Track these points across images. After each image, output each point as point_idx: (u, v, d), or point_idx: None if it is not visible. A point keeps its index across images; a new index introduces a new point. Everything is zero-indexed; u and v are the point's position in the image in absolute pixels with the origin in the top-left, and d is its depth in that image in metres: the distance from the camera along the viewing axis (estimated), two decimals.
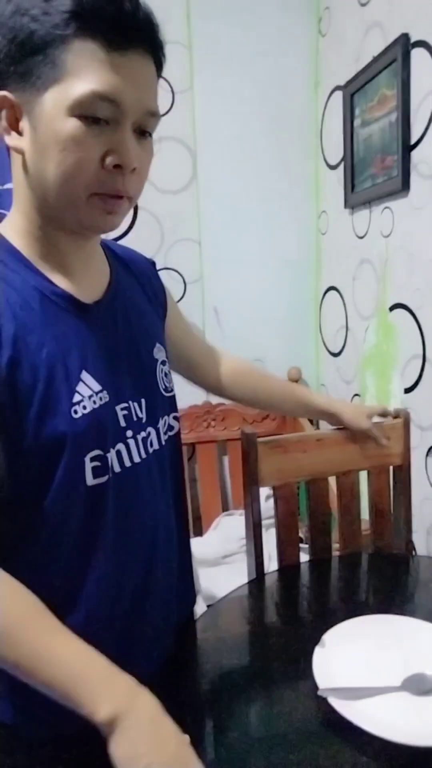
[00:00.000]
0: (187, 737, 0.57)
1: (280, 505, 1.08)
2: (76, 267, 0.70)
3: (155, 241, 1.93)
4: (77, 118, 0.58)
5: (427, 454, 1.42)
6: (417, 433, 1.45)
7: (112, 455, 0.70)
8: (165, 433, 0.80)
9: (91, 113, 0.58)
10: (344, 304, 1.90)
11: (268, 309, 2.09)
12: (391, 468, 1.18)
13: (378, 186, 1.56)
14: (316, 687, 0.71)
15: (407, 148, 1.40)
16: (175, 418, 0.83)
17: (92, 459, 0.67)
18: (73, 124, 0.58)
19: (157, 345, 0.81)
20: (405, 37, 1.37)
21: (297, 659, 0.77)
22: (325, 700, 0.69)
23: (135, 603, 0.74)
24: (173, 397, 0.83)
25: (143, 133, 0.64)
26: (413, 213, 1.41)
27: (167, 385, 0.82)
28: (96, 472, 0.68)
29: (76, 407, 0.65)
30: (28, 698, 0.60)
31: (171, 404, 0.82)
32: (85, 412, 0.66)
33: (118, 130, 0.60)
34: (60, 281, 0.68)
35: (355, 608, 0.89)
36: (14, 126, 0.62)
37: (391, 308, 1.56)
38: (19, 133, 0.62)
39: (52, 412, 0.63)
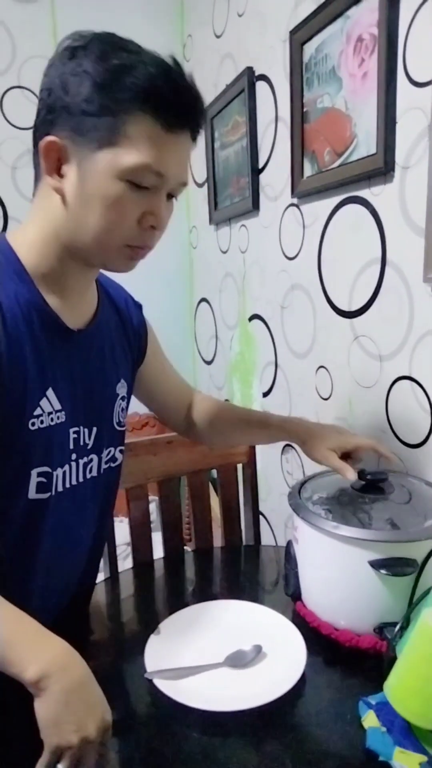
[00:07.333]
0: (109, 710, 0.58)
1: (133, 507, 1.13)
2: (74, 292, 0.74)
3: None
4: (125, 182, 0.63)
5: (282, 453, 1.53)
6: None
7: (58, 474, 0.73)
8: (107, 463, 0.84)
9: (138, 181, 0.64)
10: (213, 314, 2.00)
11: (146, 318, 2.13)
12: (239, 466, 1.27)
13: (235, 205, 1.67)
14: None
15: (256, 171, 1.52)
16: (121, 450, 0.87)
17: (39, 474, 0.70)
18: (119, 187, 0.63)
19: (122, 381, 0.85)
20: (250, 70, 1.49)
21: (134, 648, 0.81)
22: (152, 682, 0.74)
23: (59, 615, 0.79)
24: (123, 432, 0.87)
25: (170, 196, 0.69)
26: (263, 231, 1.53)
27: (121, 419, 0.85)
28: (39, 488, 0.70)
29: (34, 420, 0.68)
30: None
31: (120, 438, 0.86)
32: (41, 426, 0.69)
33: (155, 195, 0.66)
34: (53, 301, 0.71)
35: (198, 596, 0.96)
36: (57, 169, 0.65)
37: (250, 318, 1.68)
38: (60, 176, 0.65)
39: (15, 418, 0.66)
